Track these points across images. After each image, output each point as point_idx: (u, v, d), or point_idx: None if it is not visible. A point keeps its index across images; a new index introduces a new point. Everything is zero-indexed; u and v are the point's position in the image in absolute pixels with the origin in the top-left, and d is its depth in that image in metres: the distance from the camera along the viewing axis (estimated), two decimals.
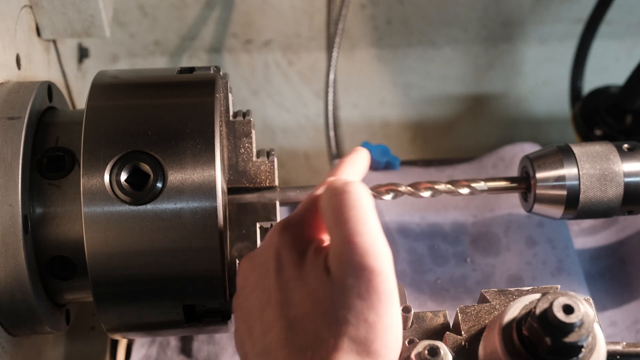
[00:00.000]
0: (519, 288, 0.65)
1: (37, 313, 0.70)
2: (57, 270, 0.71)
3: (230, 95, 0.74)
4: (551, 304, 0.52)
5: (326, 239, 0.59)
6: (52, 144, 0.71)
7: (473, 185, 0.83)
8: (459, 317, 0.63)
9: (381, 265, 0.52)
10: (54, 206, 0.69)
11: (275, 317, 0.55)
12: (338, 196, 0.55)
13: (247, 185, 0.73)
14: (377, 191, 0.84)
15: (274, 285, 0.56)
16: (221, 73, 0.74)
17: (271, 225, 0.72)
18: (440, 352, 0.58)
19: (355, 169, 0.65)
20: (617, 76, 1.19)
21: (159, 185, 0.64)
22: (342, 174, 0.62)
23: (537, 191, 0.81)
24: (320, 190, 0.59)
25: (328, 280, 0.53)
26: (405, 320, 0.64)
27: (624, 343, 0.61)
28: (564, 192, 0.80)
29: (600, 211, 0.82)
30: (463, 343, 0.62)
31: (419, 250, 0.98)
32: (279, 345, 0.54)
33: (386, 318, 0.52)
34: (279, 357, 0.54)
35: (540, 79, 1.50)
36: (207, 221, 0.65)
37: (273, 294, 0.56)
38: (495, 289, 0.65)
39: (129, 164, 0.65)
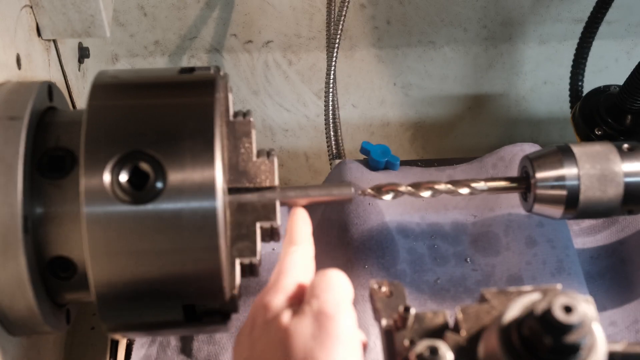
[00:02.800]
0: (519, 288, 0.65)
1: (37, 313, 0.70)
2: (57, 270, 0.71)
3: (230, 95, 0.74)
4: (551, 304, 0.52)
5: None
6: (52, 144, 0.71)
7: (473, 185, 0.83)
8: (459, 317, 0.63)
9: (339, 314, 0.60)
10: (54, 206, 0.69)
11: None
12: (320, 276, 0.64)
13: (247, 185, 0.73)
14: (377, 191, 0.84)
15: (246, 345, 0.62)
16: (221, 73, 0.74)
17: (271, 225, 0.72)
18: (440, 352, 0.58)
19: (306, 229, 0.73)
20: (617, 76, 1.19)
21: (159, 185, 0.64)
22: (301, 239, 0.72)
23: (537, 191, 0.81)
24: (291, 262, 0.68)
25: (288, 325, 0.60)
26: (405, 320, 0.64)
27: (624, 343, 0.61)
28: (564, 192, 0.80)
29: (600, 211, 0.82)
30: (463, 343, 0.62)
31: (419, 250, 0.98)
32: None
33: (336, 357, 0.58)
34: None
35: (540, 79, 1.50)
36: (207, 221, 0.65)
37: (245, 353, 0.62)
38: (495, 289, 0.65)
39: (129, 164, 0.65)
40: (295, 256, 0.69)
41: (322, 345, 0.58)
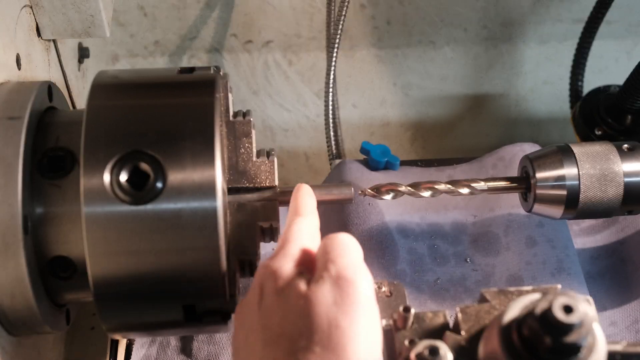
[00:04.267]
0: (519, 288, 0.65)
1: (37, 313, 0.70)
2: (57, 270, 0.71)
3: (230, 95, 0.74)
4: (551, 304, 0.52)
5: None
6: (52, 144, 0.71)
7: (473, 185, 0.83)
8: (459, 317, 0.63)
9: (357, 278, 0.58)
10: (54, 206, 0.69)
11: (256, 341, 0.57)
12: (332, 240, 0.62)
13: (247, 185, 0.73)
14: (377, 191, 0.84)
15: (256, 314, 0.59)
16: (221, 73, 0.74)
17: (271, 225, 0.72)
18: (440, 352, 0.58)
19: (311, 202, 0.72)
20: (617, 76, 1.19)
21: (159, 185, 0.64)
22: (306, 211, 0.70)
23: (537, 191, 0.81)
24: (297, 230, 0.65)
25: (308, 293, 0.57)
26: (405, 320, 0.64)
27: (624, 343, 0.61)
28: (564, 192, 0.80)
29: (600, 211, 0.82)
30: (463, 343, 0.62)
31: (419, 250, 0.98)
32: None
33: (359, 324, 0.55)
34: None
35: (540, 79, 1.50)
36: (207, 221, 0.65)
37: (255, 322, 0.59)
38: (495, 289, 0.65)
39: (129, 164, 0.65)
40: (301, 225, 0.66)
41: (345, 311, 0.55)
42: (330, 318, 0.55)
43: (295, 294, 0.57)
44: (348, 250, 0.60)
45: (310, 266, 0.62)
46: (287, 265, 0.61)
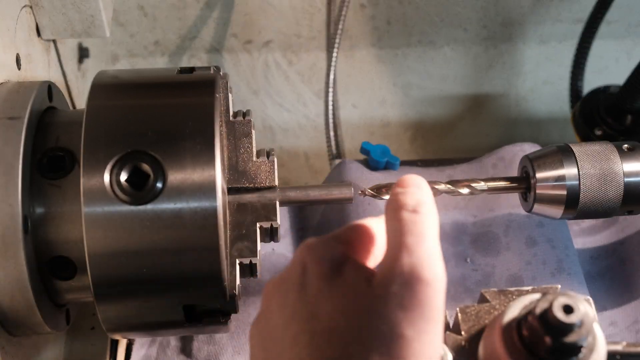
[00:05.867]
0: (519, 288, 0.65)
1: (37, 313, 0.70)
2: (57, 270, 0.71)
3: (230, 95, 0.74)
4: (551, 304, 0.52)
5: (368, 260, 0.57)
6: (52, 143, 0.71)
7: (473, 185, 0.83)
8: (459, 317, 0.63)
9: (433, 279, 0.48)
10: (54, 206, 0.69)
11: (299, 332, 0.50)
12: (413, 213, 0.52)
13: (247, 185, 0.73)
14: (377, 191, 0.84)
15: (298, 298, 0.52)
16: (221, 73, 0.74)
17: (271, 225, 0.72)
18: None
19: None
20: (617, 76, 1.19)
21: (159, 185, 0.64)
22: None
23: (537, 191, 0.81)
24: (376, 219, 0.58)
25: (368, 290, 0.49)
26: None
27: (624, 343, 0.61)
28: (564, 192, 0.80)
29: (600, 211, 0.82)
30: (463, 343, 0.62)
31: None
32: None
33: (426, 336, 0.47)
34: None
35: (540, 79, 1.50)
36: (207, 221, 0.65)
37: (299, 307, 0.51)
38: (495, 289, 0.65)
39: (129, 164, 0.65)
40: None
41: (413, 319, 0.47)
42: (394, 323, 0.47)
43: (351, 284, 0.50)
44: (429, 228, 0.50)
45: (367, 246, 0.54)
46: (336, 244, 0.54)
